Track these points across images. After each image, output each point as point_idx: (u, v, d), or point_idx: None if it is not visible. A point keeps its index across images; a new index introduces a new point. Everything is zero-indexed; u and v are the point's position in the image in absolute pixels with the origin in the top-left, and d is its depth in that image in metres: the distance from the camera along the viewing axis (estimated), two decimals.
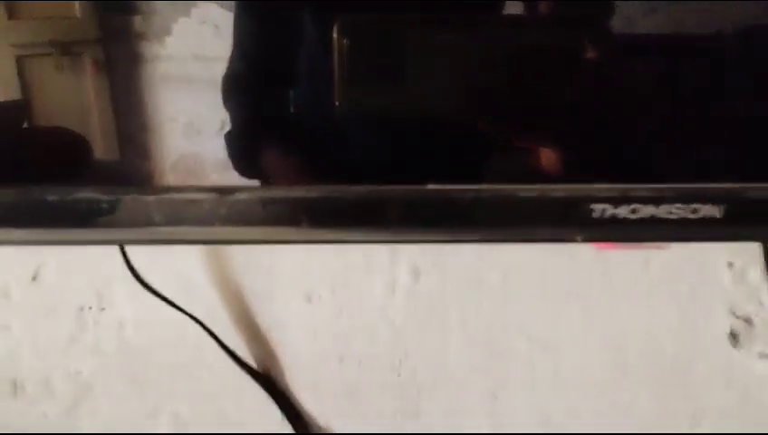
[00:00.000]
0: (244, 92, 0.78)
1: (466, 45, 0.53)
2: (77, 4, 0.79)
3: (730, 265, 1.00)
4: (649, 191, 0.59)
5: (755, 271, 0.99)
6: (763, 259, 0.92)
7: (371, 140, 0.74)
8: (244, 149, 0.78)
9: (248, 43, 0.75)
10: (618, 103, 0.62)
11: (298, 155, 0.76)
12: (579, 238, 0.60)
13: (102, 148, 0.82)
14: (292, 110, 0.76)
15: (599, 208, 0.58)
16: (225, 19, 0.77)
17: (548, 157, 0.61)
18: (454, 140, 0.65)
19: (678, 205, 0.58)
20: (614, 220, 0.58)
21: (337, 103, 0.59)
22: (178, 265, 1.20)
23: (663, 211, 0.58)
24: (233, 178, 0.85)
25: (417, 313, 1.16)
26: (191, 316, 1.19)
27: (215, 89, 0.78)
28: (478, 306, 1.14)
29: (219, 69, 0.78)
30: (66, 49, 0.80)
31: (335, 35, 0.56)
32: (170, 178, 0.84)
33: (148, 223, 0.75)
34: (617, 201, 0.58)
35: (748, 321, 0.99)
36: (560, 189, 0.59)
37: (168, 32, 0.79)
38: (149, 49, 0.80)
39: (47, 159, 0.81)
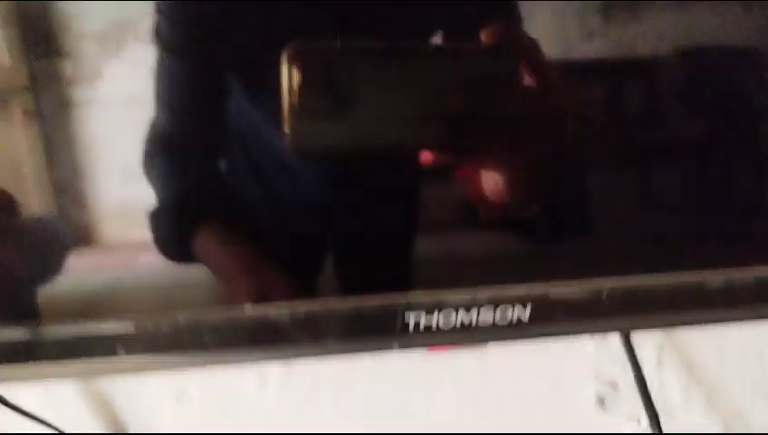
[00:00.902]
0: (173, 161, 0.76)
1: (418, 72, 0.57)
2: (5, 50, 0.76)
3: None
4: (460, 296, 0.62)
5: (616, 335, 1.00)
6: (624, 347, 0.93)
7: (318, 205, 0.76)
8: (176, 228, 0.76)
9: (175, 100, 0.74)
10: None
11: (239, 233, 0.75)
12: (395, 347, 0.63)
13: (35, 199, 0.78)
14: (227, 178, 0.75)
15: (413, 318, 0.61)
16: None
17: (488, 180, 0.65)
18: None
19: (487, 307, 0.62)
20: (428, 328, 0.61)
21: (286, 134, 0.58)
22: None
23: (474, 316, 0.62)
24: None
25: (291, 402, 1.12)
26: (48, 425, 1.05)
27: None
28: (352, 389, 1.11)
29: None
30: None
31: (284, 64, 0.57)
32: (111, 227, 0.85)
33: None
34: (430, 308, 0.61)
35: (614, 385, 1.01)
36: (373, 300, 0.62)
37: (99, 75, 0.78)
38: (80, 93, 0.78)
39: None
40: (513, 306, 0.62)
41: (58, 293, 0.77)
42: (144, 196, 0.79)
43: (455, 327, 0.62)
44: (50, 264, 0.79)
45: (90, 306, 0.80)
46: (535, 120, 0.62)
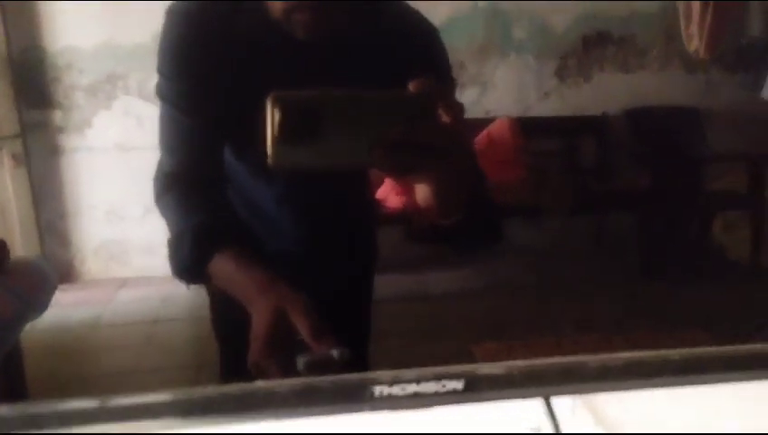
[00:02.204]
0: (182, 197, 0.83)
1: (367, 112, 0.70)
2: None
3: None
4: (413, 373, 0.71)
5: None
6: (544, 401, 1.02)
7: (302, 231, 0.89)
8: (194, 254, 0.80)
9: (177, 146, 0.83)
10: None
11: (251, 256, 0.81)
12: (366, 410, 0.72)
13: (22, 240, 0.80)
14: (234, 210, 0.85)
15: (378, 389, 0.71)
16: (147, 111, 0.83)
17: (419, 192, 0.76)
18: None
19: (432, 382, 0.72)
20: (389, 396, 0.72)
21: (270, 162, 0.66)
22: None
23: (422, 387, 0.71)
24: (155, 262, 0.90)
25: None
26: None
27: (138, 176, 0.80)
28: None
29: (144, 157, 0.84)
30: None
31: (268, 106, 0.66)
32: (93, 266, 0.87)
33: None
34: (390, 383, 0.72)
35: (537, 429, 1.07)
36: (352, 377, 0.71)
37: (88, 124, 0.81)
38: (70, 141, 0.80)
39: None
40: (450, 380, 0.72)
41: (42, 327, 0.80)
42: (128, 235, 0.84)
43: (409, 395, 0.72)
44: (36, 303, 0.81)
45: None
46: (449, 146, 0.72)
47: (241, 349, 0.84)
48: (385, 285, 0.95)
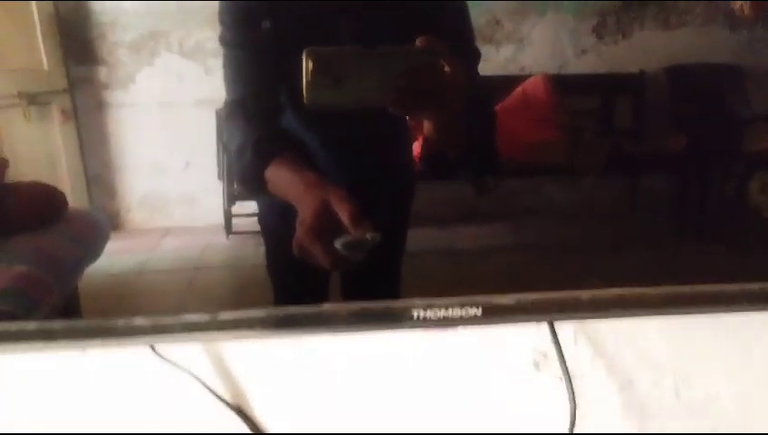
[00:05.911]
0: (246, 117, 0.94)
1: (381, 63, 0.86)
2: (44, 56, 0.82)
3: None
4: (443, 301, 0.92)
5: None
6: (549, 329, 1.14)
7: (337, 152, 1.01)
8: (254, 162, 0.92)
9: (241, 77, 0.93)
10: None
11: (301, 163, 0.93)
12: (406, 328, 0.94)
13: (71, 191, 0.85)
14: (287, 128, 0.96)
15: (415, 313, 0.92)
16: (187, 68, 0.88)
17: (427, 128, 0.94)
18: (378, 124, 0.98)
19: (457, 308, 0.92)
20: (424, 318, 0.92)
21: (305, 101, 0.84)
22: None
23: (449, 312, 0.92)
24: (196, 213, 0.96)
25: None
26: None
27: (179, 131, 0.86)
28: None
29: (184, 114, 0.89)
30: (33, 99, 0.84)
31: (303, 59, 0.83)
32: (137, 216, 0.93)
33: None
34: (425, 308, 0.92)
35: (545, 354, 1.18)
36: (397, 303, 0.93)
37: (132, 80, 0.85)
38: (115, 97, 0.85)
39: (25, 213, 0.85)
40: (471, 307, 0.93)
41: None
42: (169, 187, 0.90)
43: (439, 319, 0.92)
44: (92, 250, 0.88)
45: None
46: (446, 92, 0.88)
47: (291, 289, 1.04)
48: (414, 239, 1.03)
